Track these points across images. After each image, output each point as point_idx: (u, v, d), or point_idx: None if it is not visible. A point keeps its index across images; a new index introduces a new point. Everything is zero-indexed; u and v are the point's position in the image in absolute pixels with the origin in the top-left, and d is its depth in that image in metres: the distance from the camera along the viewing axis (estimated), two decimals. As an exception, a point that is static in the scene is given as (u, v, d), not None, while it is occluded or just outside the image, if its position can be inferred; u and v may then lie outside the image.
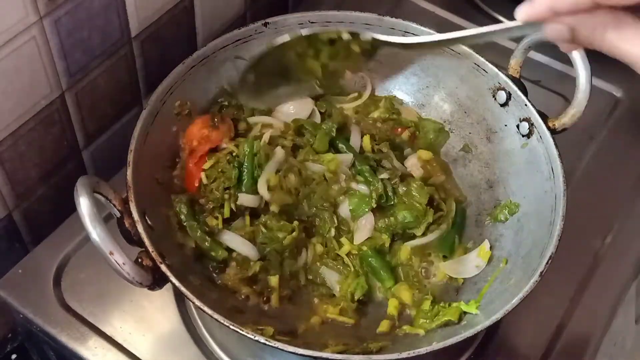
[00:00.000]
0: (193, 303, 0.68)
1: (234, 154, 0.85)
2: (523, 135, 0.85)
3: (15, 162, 0.85)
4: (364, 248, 0.84)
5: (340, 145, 0.89)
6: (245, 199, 0.83)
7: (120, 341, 0.83)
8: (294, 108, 0.92)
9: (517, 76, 0.88)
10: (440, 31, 0.89)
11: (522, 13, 0.60)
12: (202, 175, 0.84)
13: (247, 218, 0.83)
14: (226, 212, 0.82)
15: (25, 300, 0.85)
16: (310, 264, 0.83)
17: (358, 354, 0.71)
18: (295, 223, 0.82)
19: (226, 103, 0.90)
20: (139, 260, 0.69)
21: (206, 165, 0.85)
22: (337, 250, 0.84)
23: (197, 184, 0.84)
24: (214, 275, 0.81)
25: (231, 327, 0.66)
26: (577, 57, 0.82)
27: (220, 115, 0.88)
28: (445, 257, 0.85)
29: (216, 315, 0.67)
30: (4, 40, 0.74)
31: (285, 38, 0.74)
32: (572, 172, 1.01)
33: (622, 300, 0.93)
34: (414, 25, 0.90)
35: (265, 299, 0.80)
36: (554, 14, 0.59)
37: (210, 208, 0.83)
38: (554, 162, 0.80)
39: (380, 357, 0.70)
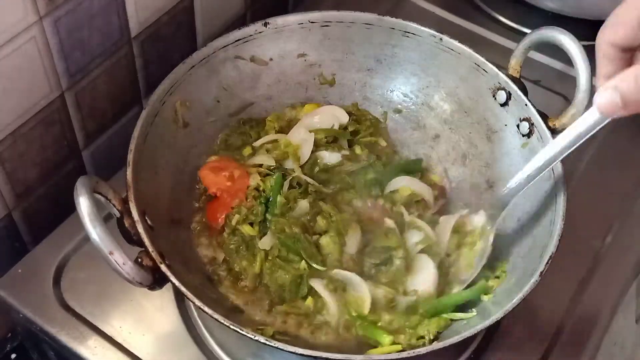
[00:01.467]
0: (193, 303, 0.68)
1: (260, 188, 0.85)
2: (523, 135, 0.85)
3: (15, 162, 0.85)
4: None
5: None
6: (267, 242, 0.82)
7: (120, 341, 0.83)
8: (319, 118, 0.92)
9: (517, 76, 0.88)
10: (440, 31, 0.90)
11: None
12: (234, 218, 0.83)
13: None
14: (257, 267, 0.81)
15: (25, 300, 0.85)
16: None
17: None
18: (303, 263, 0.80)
19: (231, 135, 0.91)
20: (139, 260, 0.69)
21: (234, 205, 0.84)
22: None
23: (221, 221, 0.83)
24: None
25: (231, 327, 0.66)
26: (578, 56, 0.82)
27: (236, 169, 0.87)
28: None
29: (216, 315, 0.67)
30: (3, 40, 0.74)
31: None
32: (572, 172, 1.01)
33: (622, 300, 0.93)
34: (414, 25, 0.90)
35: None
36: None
37: (233, 246, 0.82)
38: (554, 161, 0.80)
39: (380, 356, 0.70)
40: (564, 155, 0.74)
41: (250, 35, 0.89)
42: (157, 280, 0.69)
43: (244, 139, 0.91)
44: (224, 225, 0.83)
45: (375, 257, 0.81)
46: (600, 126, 0.69)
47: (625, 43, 0.64)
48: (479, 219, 0.83)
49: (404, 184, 0.89)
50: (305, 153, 0.89)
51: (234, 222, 0.83)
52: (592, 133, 0.71)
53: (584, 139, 0.72)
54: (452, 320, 0.77)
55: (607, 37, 0.64)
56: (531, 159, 0.77)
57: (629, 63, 0.66)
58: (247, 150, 0.90)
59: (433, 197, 0.90)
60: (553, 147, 0.74)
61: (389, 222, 0.84)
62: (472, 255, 0.82)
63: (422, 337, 0.75)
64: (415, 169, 0.92)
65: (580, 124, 0.70)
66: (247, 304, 0.80)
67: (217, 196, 0.84)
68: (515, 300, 0.70)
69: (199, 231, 0.84)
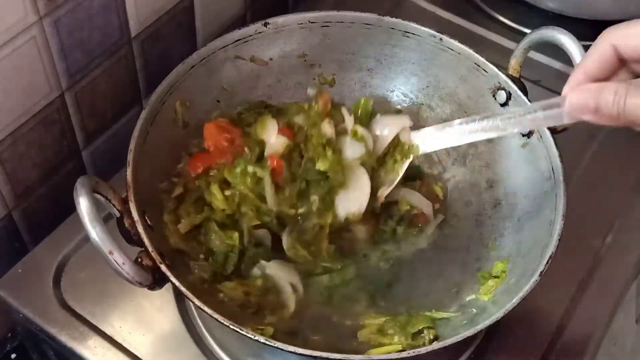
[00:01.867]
0: (193, 303, 0.68)
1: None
2: (523, 135, 0.85)
3: (15, 162, 0.85)
4: None
5: None
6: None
7: (120, 341, 0.83)
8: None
9: (517, 76, 0.88)
10: (440, 31, 0.90)
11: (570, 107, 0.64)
12: (212, 172, 0.83)
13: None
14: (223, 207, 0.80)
15: (25, 300, 0.85)
16: None
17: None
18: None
19: (248, 110, 0.90)
20: (139, 260, 0.69)
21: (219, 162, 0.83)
22: None
23: (199, 170, 0.83)
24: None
25: (231, 327, 0.66)
26: (578, 56, 0.81)
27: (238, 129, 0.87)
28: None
29: (216, 315, 0.67)
30: (3, 40, 0.74)
31: None
32: (572, 171, 1.01)
33: (622, 300, 0.93)
34: (414, 25, 0.90)
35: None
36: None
37: (194, 200, 0.82)
38: (554, 161, 0.80)
39: (381, 356, 0.70)
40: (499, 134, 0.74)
41: (250, 35, 0.89)
42: (157, 280, 0.69)
43: (257, 119, 0.91)
44: (198, 175, 0.83)
45: (309, 174, 0.79)
46: (550, 124, 0.70)
47: (627, 55, 0.63)
48: (409, 137, 0.81)
49: (402, 196, 0.88)
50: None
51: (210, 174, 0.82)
52: (539, 126, 0.71)
53: (528, 128, 0.72)
54: (437, 318, 0.77)
55: (615, 38, 0.63)
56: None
57: (611, 73, 0.65)
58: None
59: (433, 211, 0.89)
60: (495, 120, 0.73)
61: (328, 130, 0.80)
62: (395, 171, 0.81)
63: (420, 335, 0.75)
64: (415, 175, 0.92)
65: (539, 110, 0.71)
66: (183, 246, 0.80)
67: (209, 151, 0.84)
68: (515, 300, 0.70)
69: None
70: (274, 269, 0.80)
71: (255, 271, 0.81)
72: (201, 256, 0.80)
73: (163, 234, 0.78)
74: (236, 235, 0.80)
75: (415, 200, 0.88)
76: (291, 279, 0.80)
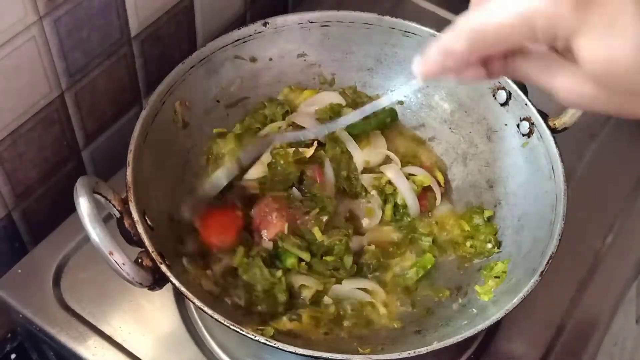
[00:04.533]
0: (193, 303, 0.68)
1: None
2: (523, 135, 0.85)
3: (14, 162, 0.85)
4: None
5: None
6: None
7: (119, 341, 0.83)
8: (317, 104, 0.93)
9: (518, 75, 0.88)
10: (440, 31, 0.90)
11: (419, 73, 0.56)
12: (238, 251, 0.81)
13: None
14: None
15: (24, 300, 0.85)
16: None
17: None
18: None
19: (252, 118, 0.92)
20: (139, 260, 0.69)
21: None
22: None
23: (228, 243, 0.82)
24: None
25: (231, 327, 0.66)
26: (578, 56, 0.81)
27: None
28: None
29: (216, 315, 0.67)
30: (3, 40, 0.74)
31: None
32: (573, 171, 1.01)
33: (623, 300, 0.93)
34: (414, 25, 0.90)
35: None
36: (449, 71, 0.54)
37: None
38: (555, 161, 0.80)
39: (380, 357, 0.70)
40: None
41: (250, 35, 0.89)
42: (156, 281, 0.69)
43: (262, 121, 0.91)
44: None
45: None
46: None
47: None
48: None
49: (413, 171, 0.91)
50: None
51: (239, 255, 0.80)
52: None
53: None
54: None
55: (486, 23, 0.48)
56: None
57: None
58: (263, 131, 0.90)
59: (440, 191, 0.90)
60: None
61: None
62: None
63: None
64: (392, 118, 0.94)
65: None
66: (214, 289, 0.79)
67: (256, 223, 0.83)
68: (516, 300, 0.70)
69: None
70: (347, 288, 0.81)
71: (327, 300, 0.80)
72: (237, 292, 0.78)
73: (186, 276, 0.76)
74: (280, 273, 0.79)
75: (421, 173, 0.90)
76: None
